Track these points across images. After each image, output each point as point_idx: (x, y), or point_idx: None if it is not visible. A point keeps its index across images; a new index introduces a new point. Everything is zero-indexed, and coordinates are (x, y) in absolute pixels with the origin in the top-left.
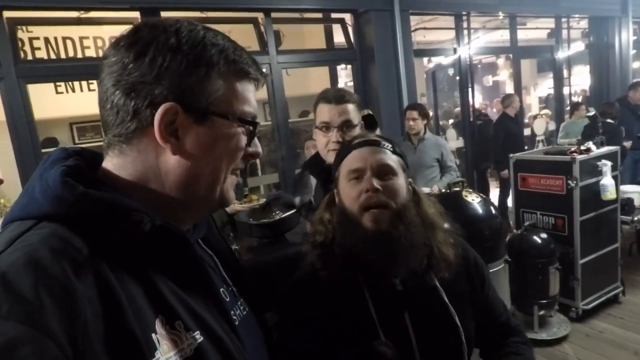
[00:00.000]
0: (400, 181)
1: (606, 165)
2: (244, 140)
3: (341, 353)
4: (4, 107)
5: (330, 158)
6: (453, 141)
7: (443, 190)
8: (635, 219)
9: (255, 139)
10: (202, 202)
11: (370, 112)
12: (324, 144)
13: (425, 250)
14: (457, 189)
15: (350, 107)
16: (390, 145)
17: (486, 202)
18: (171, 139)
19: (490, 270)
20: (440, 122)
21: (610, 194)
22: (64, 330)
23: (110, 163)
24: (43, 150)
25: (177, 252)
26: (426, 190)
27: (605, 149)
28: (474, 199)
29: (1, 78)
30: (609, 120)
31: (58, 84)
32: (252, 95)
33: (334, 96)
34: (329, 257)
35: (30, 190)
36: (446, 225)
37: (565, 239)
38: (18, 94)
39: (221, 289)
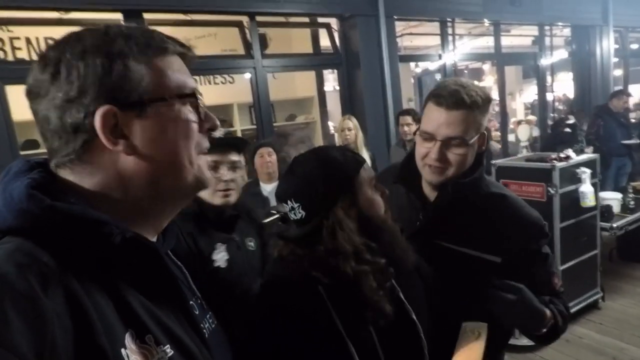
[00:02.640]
0: None
1: (585, 173)
2: (192, 116)
3: None
4: None
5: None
6: None
7: None
8: (615, 225)
9: (208, 112)
10: (177, 192)
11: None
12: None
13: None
14: None
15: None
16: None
17: None
18: (120, 141)
19: None
20: None
21: (589, 201)
22: (31, 347)
23: (66, 176)
24: (22, 153)
25: (147, 264)
26: None
27: (585, 157)
28: None
29: None
30: (566, 130)
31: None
32: (183, 70)
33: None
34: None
35: None
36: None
37: None
38: None
39: (190, 302)
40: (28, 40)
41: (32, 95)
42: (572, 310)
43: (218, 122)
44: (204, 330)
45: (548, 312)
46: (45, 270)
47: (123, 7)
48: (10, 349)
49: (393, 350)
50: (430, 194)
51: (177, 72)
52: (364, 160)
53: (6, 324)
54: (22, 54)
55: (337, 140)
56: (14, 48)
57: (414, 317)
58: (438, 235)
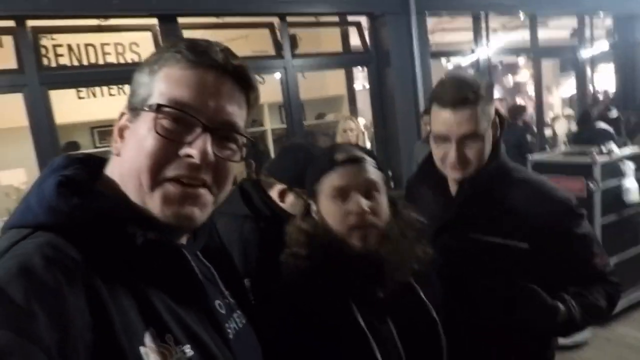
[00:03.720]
0: (384, 198)
1: (630, 168)
2: (159, 132)
3: None
4: (27, 113)
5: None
6: None
7: None
8: None
9: (202, 140)
10: (144, 216)
11: None
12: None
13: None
14: None
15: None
16: (373, 161)
17: None
18: (118, 140)
19: None
20: None
21: (634, 196)
22: (54, 340)
23: (108, 167)
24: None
25: (170, 265)
26: None
27: (628, 151)
28: None
29: (24, 85)
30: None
31: (80, 89)
32: (194, 84)
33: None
34: (312, 270)
35: (29, 199)
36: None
37: None
38: (40, 100)
39: (217, 302)
40: (69, 47)
41: None
42: (616, 310)
43: (197, 154)
44: (228, 331)
45: (561, 306)
46: (72, 266)
47: (158, 12)
48: (35, 341)
49: (413, 347)
50: (454, 188)
51: (180, 84)
52: (333, 167)
53: (31, 316)
54: (64, 60)
55: (339, 141)
56: (56, 55)
57: (435, 315)
58: (465, 228)
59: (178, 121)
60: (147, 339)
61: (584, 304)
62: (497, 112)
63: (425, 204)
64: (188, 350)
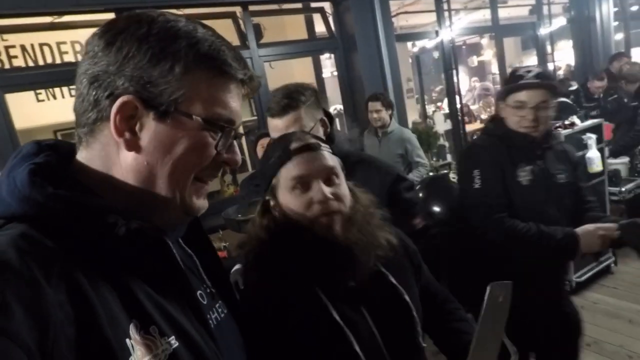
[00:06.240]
0: (344, 183)
1: (591, 139)
2: (211, 144)
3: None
4: None
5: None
6: (441, 124)
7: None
8: (623, 189)
9: (234, 145)
10: (164, 206)
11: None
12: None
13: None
14: (445, 171)
15: (299, 113)
16: (327, 146)
17: None
18: (126, 134)
19: None
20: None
21: (596, 166)
22: (33, 336)
23: (80, 156)
24: None
25: (153, 255)
26: None
27: (589, 122)
28: None
29: None
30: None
31: (38, 91)
32: (230, 97)
33: (277, 109)
34: (273, 266)
35: None
36: (378, 210)
37: None
38: None
39: (199, 291)
40: (23, 48)
41: (85, 51)
42: (585, 277)
43: (238, 159)
44: (211, 321)
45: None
46: (49, 258)
47: (114, 6)
48: (13, 339)
49: (389, 332)
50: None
51: (221, 98)
52: (290, 157)
53: (8, 312)
54: (18, 62)
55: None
56: (9, 57)
57: (407, 298)
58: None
59: (222, 130)
60: (132, 330)
61: None
62: (325, 113)
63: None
64: (173, 341)
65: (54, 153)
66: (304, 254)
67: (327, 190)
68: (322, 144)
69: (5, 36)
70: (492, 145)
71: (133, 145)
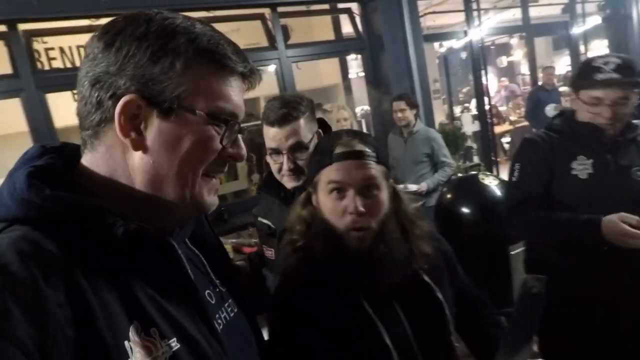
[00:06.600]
0: (384, 194)
1: None
2: (216, 138)
3: (344, 352)
4: (26, 118)
5: (288, 184)
6: (468, 125)
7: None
8: None
9: (240, 140)
10: (173, 205)
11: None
12: (276, 170)
13: (407, 252)
14: (474, 172)
15: (298, 124)
16: (374, 155)
17: (504, 184)
18: (132, 134)
19: (511, 253)
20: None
21: None
22: (32, 337)
23: (85, 159)
24: None
25: (154, 255)
26: (413, 187)
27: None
28: (491, 182)
29: (21, 89)
30: None
31: (75, 91)
32: (232, 90)
33: (277, 118)
34: (314, 260)
35: (0, 191)
36: (423, 221)
37: None
38: (38, 104)
39: (206, 291)
40: (61, 50)
41: (85, 54)
42: None
43: (243, 154)
44: (219, 321)
45: None
46: (48, 260)
47: (149, 7)
48: (12, 341)
49: (420, 327)
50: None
51: (224, 92)
52: (332, 161)
53: (6, 315)
54: (57, 64)
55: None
56: (49, 58)
57: (440, 295)
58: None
59: (225, 123)
60: (132, 332)
61: None
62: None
63: (274, 215)
64: (174, 344)
65: (58, 156)
66: (334, 254)
67: (360, 203)
68: (369, 151)
69: (45, 39)
70: (542, 139)
71: (139, 145)
